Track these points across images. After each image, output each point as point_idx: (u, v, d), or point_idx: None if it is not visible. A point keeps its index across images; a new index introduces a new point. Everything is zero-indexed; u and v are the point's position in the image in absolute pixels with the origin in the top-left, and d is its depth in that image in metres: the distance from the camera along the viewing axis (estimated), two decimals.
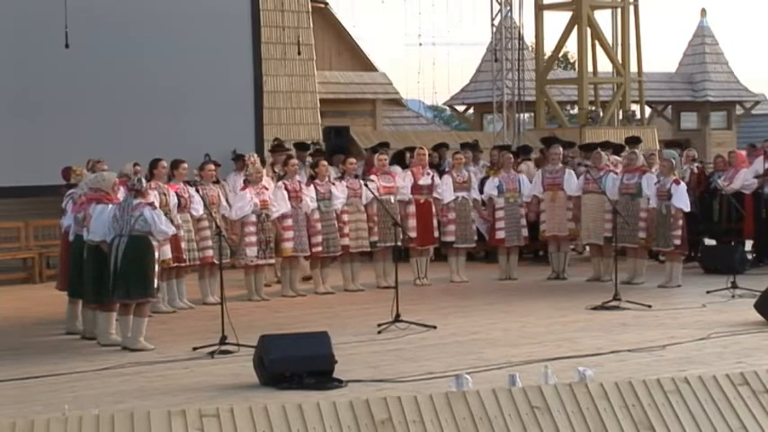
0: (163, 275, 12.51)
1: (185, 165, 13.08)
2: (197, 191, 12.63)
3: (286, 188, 13.53)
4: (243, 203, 13.14)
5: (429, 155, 15.22)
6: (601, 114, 22.37)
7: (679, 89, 29.44)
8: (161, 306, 12.50)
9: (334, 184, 14.06)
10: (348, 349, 9.78)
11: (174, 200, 12.61)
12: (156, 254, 10.48)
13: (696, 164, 16.48)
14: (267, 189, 13.39)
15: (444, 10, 34.97)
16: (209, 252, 12.93)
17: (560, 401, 6.36)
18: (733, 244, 15.72)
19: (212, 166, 13.60)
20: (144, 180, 10.60)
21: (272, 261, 13.53)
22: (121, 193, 10.77)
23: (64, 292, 11.56)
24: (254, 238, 13.16)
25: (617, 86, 22.89)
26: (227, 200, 13.58)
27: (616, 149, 16.47)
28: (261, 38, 18.73)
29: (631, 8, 22.87)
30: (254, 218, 13.16)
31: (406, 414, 6.14)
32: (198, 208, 12.73)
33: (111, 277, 10.28)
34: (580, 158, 16.02)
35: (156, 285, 10.50)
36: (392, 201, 14.15)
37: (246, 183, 13.47)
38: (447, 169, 15.48)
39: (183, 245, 12.72)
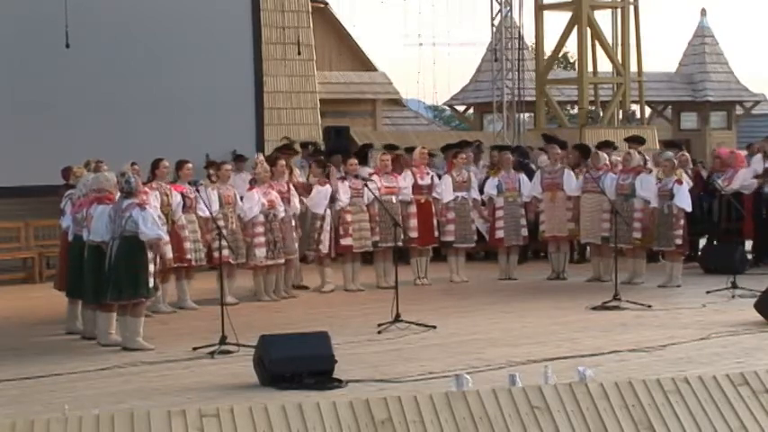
0: (167, 275, 12.51)
1: (190, 165, 13.08)
2: (197, 191, 12.61)
3: (274, 189, 13.48)
4: (251, 204, 13.13)
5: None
6: (601, 114, 22.37)
7: (679, 89, 29.43)
8: (161, 306, 12.50)
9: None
10: (348, 349, 9.78)
11: (177, 200, 12.59)
12: (151, 254, 10.44)
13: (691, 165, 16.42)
14: (274, 189, 13.37)
15: (444, 10, 34.92)
16: (224, 252, 12.81)
17: (560, 401, 6.35)
18: (733, 244, 15.71)
19: (229, 167, 13.67)
20: (132, 180, 10.54)
21: (282, 261, 13.48)
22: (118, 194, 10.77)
23: (62, 291, 11.58)
24: (262, 239, 13.14)
25: (617, 86, 22.88)
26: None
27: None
28: (261, 38, 18.74)
29: (631, 8, 22.86)
30: (262, 218, 13.15)
31: (406, 414, 6.14)
32: (203, 208, 12.67)
33: (105, 278, 10.31)
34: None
35: (151, 285, 10.48)
36: (394, 201, 14.16)
37: (253, 183, 13.47)
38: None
39: (188, 245, 12.68)
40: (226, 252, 11.89)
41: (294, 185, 14.02)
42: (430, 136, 21.93)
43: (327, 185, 13.89)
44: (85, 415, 6.00)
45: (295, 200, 13.63)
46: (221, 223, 12.70)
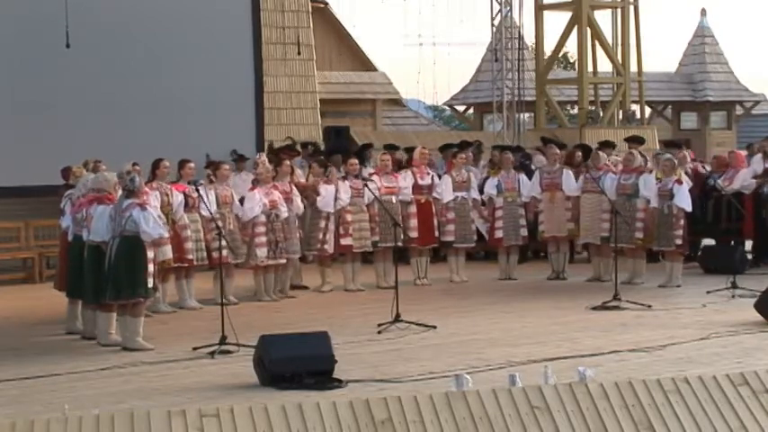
0: (168, 275, 12.51)
1: (192, 164, 13.10)
2: (197, 191, 12.60)
3: (277, 189, 13.49)
4: (252, 204, 13.13)
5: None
6: (601, 114, 22.37)
7: (679, 89, 29.43)
8: (161, 306, 12.50)
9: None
10: (348, 349, 9.78)
11: (179, 199, 12.59)
12: (152, 254, 10.45)
13: (689, 165, 16.39)
14: (276, 189, 13.39)
15: (444, 10, 34.89)
16: (224, 252, 12.82)
17: (560, 401, 6.36)
18: (733, 244, 15.71)
19: (227, 166, 13.67)
20: (136, 179, 10.56)
21: (283, 261, 13.49)
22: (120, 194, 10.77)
23: (62, 291, 11.58)
24: (264, 239, 13.14)
25: (617, 86, 22.88)
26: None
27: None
28: (261, 38, 18.74)
29: (631, 8, 22.86)
30: (263, 218, 13.15)
31: (406, 414, 6.15)
32: (205, 208, 12.64)
33: (104, 277, 10.32)
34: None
35: (151, 285, 10.48)
36: (393, 201, 14.16)
37: (255, 183, 13.47)
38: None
39: (191, 245, 12.68)
40: (225, 252, 11.89)
41: (297, 185, 14.04)
42: (430, 136, 21.93)
43: (332, 185, 13.94)
44: (85, 415, 6.01)
45: (297, 200, 13.64)
46: (218, 223, 12.71)
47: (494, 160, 16.36)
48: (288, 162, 14.13)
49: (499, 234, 14.87)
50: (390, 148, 16.77)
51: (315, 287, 14.27)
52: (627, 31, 22.72)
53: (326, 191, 13.89)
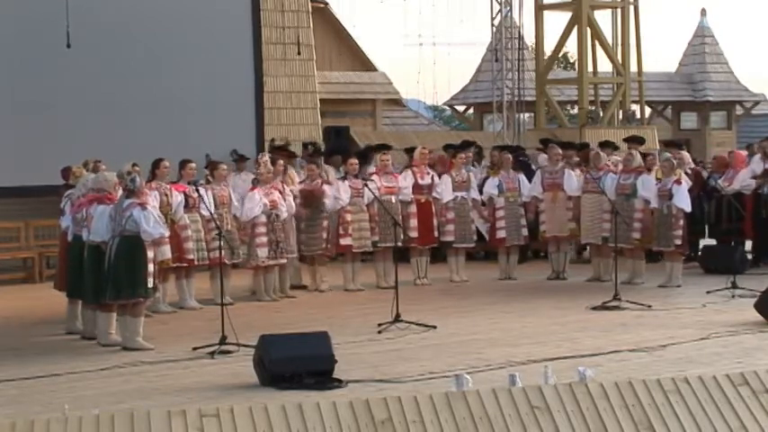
0: (168, 275, 12.51)
1: (193, 164, 13.10)
2: (197, 191, 12.60)
3: (276, 189, 13.48)
4: (252, 204, 13.14)
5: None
6: (601, 114, 22.37)
7: (679, 89, 29.42)
8: (161, 306, 12.50)
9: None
10: (348, 349, 9.78)
11: (178, 199, 12.60)
12: (151, 254, 10.45)
13: (689, 165, 16.39)
14: (276, 189, 13.39)
15: (444, 10, 34.93)
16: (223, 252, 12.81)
17: (560, 401, 6.36)
18: (733, 244, 15.71)
19: (225, 167, 13.68)
20: (137, 179, 10.56)
21: (284, 261, 13.51)
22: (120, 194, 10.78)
23: (62, 291, 11.59)
24: (264, 239, 13.15)
25: (617, 86, 22.88)
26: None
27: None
28: (261, 38, 18.75)
29: (631, 8, 22.86)
30: (264, 218, 13.16)
31: (406, 414, 6.15)
32: (205, 208, 12.64)
33: (104, 277, 10.32)
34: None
35: (151, 285, 10.48)
36: (393, 201, 14.16)
37: (255, 183, 13.48)
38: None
39: (191, 245, 12.69)
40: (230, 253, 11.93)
41: (302, 191, 14.04)
42: (430, 136, 21.93)
43: (331, 185, 13.95)
44: (85, 415, 6.01)
45: (290, 199, 13.65)
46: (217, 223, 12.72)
47: (494, 160, 16.36)
48: (281, 162, 14.12)
49: (501, 234, 14.87)
50: (381, 147, 16.67)
51: (311, 285, 14.24)
52: (627, 31, 22.71)
53: (330, 191, 13.89)
